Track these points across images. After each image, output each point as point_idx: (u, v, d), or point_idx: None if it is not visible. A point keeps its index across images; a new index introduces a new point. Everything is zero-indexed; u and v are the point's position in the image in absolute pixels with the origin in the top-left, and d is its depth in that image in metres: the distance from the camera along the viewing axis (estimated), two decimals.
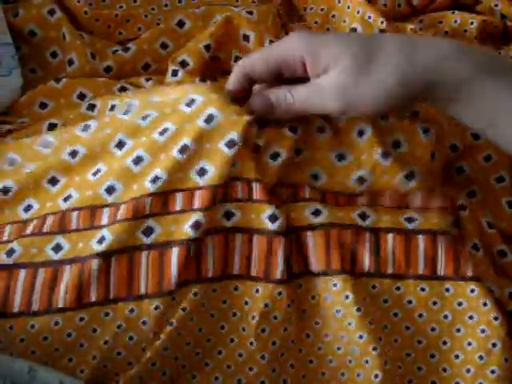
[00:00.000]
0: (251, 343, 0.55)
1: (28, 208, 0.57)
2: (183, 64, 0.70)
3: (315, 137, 0.57)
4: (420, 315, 0.56)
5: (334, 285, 0.55)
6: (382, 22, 0.75)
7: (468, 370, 0.56)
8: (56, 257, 0.53)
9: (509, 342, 0.55)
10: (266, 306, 0.54)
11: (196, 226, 0.53)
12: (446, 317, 0.57)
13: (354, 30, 0.69)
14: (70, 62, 0.72)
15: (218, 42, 0.72)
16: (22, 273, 0.53)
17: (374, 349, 0.55)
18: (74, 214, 0.55)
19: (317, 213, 0.55)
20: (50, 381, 0.48)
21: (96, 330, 0.53)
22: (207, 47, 0.71)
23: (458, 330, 0.56)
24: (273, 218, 0.54)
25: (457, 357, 0.56)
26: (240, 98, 0.57)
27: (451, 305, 0.56)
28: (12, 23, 0.73)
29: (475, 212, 0.60)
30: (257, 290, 0.54)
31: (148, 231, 0.53)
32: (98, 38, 0.75)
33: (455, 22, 0.80)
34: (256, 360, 0.55)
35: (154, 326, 0.53)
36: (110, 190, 0.55)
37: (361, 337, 0.55)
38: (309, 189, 0.57)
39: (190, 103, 0.56)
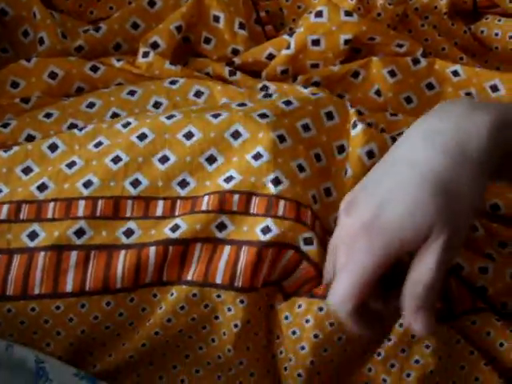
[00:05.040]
0: (229, 350, 0.55)
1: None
2: (154, 45, 0.70)
3: None
4: None
5: (299, 306, 0.55)
6: None
7: None
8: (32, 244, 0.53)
9: (444, 370, 0.55)
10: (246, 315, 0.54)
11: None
12: None
13: (320, 12, 0.69)
14: (41, 41, 0.71)
15: (188, 23, 0.72)
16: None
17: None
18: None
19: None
20: (27, 356, 0.49)
21: (72, 320, 0.54)
22: (178, 28, 0.71)
23: (379, 354, 0.55)
24: (266, 230, 0.54)
25: None
26: None
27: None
28: None
29: None
30: (241, 301, 0.54)
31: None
32: (69, 17, 0.75)
33: None
34: (235, 364, 0.56)
35: (130, 318, 0.54)
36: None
37: (312, 362, 0.55)
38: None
39: None
